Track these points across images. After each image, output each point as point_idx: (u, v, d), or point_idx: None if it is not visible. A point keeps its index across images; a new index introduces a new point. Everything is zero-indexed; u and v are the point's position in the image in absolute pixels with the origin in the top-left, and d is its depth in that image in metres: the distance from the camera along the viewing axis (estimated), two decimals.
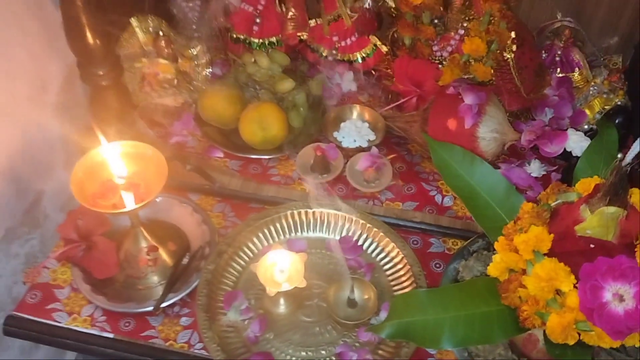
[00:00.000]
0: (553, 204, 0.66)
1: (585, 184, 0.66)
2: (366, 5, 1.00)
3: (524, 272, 0.64)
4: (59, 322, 0.83)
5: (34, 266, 0.86)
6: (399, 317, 0.64)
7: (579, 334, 0.61)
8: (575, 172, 0.76)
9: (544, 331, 0.63)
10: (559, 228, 0.63)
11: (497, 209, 0.75)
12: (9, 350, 0.93)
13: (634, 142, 0.75)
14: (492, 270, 0.67)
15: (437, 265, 0.89)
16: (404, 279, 0.86)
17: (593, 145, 0.79)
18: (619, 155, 0.84)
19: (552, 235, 0.62)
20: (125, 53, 1.02)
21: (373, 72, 1.10)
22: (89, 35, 0.83)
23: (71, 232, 0.86)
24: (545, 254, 0.62)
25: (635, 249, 0.61)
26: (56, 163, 0.97)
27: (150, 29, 1.04)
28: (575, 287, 0.60)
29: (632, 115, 0.96)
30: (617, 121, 0.93)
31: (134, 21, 1.03)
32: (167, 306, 0.84)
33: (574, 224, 0.61)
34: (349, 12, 1.04)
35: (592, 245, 0.61)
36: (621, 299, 0.58)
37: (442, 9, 1.01)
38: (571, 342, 0.61)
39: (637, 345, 0.61)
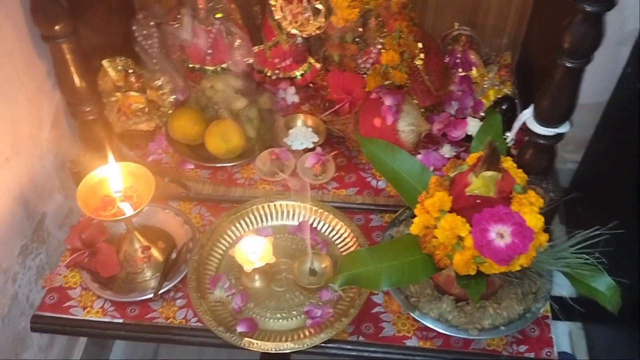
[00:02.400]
0: (452, 175, 0.89)
1: (473, 158, 0.88)
2: (298, 41, 1.21)
3: (434, 227, 0.86)
4: (76, 315, 1.01)
5: (50, 274, 1.04)
6: (347, 270, 0.85)
7: (477, 266, 0.84)
8: (471, 150, 0.98)
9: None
10: (456, 191, 0.85)
11: (415, 185, 0.96)
12: (29, 349, 1.10)
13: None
14: (413, 229, 0.88)
15: (378, 236, 1.11)
16: (352, 249, 1.07)
17: (482, 128, 1.02)
18: (507, 134, 1.08)
19: (451, 197, 0.85)
20: (101, 90, 1.20)
21: (311, 85, 1.31)
22: (76, 79, 1.01)
23: (77, 242, 1.04)
24: (447, 212, 0.84)
25: (510, 200, 0.84)
26: (53, 188, 1.15)
27: (119, 67, 1.23)
28: (470, 232, 0.83)
29: (516, 101, 1.20)
30: (504, 107, 1.17)
31: (105, 63, 1.20)
32: (164, 292, 1.02)
33: (465, 187, 0.84)
34: (287, 38, 1.25)
35: (478, 201, 0.83)
36: (502, 236, 0.80)
37: (361, 29, 1.22)
38: (472, 273, 0.83)
39: (518, 269, 0.83)
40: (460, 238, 0.83)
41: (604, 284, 0.85)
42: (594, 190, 1.34)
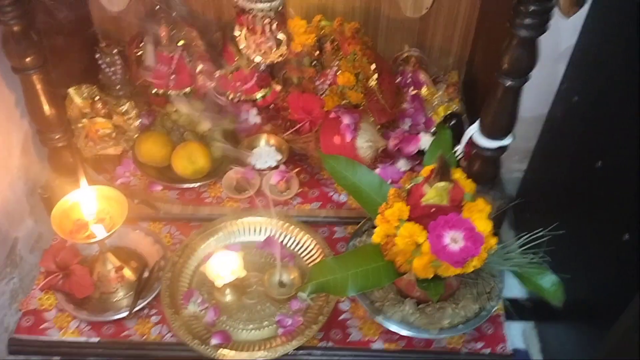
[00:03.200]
0: (408, 187, 0.96)
1: (426, 171, 0.96)
2: (261, 68, 1.27)
3: (395, 235, 0.93)
4: (53, 337, 1.03)
5: (24, 297, 1.07)
6: (316, 278, 0.91)
7: (435, 270, 0.91)
8: (424, 163, 1.06)
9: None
10: (412, 202, 0.92)
11: (375, 197, 1.02)
12: None
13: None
14: (375, 237, 0.95)
15: (342, 246, 1.17)
16: (318, 260, 1.13)
17: (433, 143, 1.10)
18: (456, 147, 1.17)
19: (408, 207, 0.92)
20: (68, 117, 1.23)
21: (272, 107, 1.37)
22: (46, 107, 1.04)
23: (51, 264, 1.06)
24: (406, 220, 0.92)
25: (461, 208, 0.91)
26: (24, 214, 1.17)
27: (85, 94, 1.26)
28: (427, 239, 0.90)
29: (463, 117, 1.30)
30: (452, 123, 1.26)
31: (71, 91, 1.23)
32: (138, 310, 1.06)
33: (421, 197, 0.91)
34: (247, 62, 1.31)
35: (433, 210, 0.90)
36: (455, 241, 0.87)
37: (318, 53, 1.29)
38: (430, 276, 0.90)
39: (472, 271, 0.91)
40: (418, 244, 0.90)
41: (548, 281, 0.93)
42: (539, 196, 1.44)
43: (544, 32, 0.93)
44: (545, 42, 1.05)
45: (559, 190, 1.31)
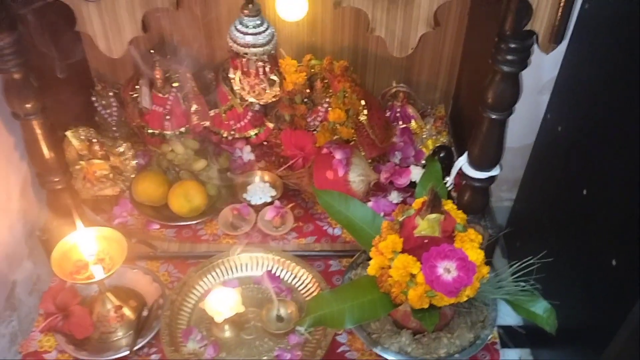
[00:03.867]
0: (401, 219, 0.99)
1: (418, 203, 0.99)
2: (256, 108, 1.31)
3: (389, 267, 0.95)
4: None
5: (24, 339, 1.08)
6: (313, 312, 0.92)
7: (430, 300, 0.93)
8: (415, 195, 1.09)
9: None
10: (405, 234, 0.95)
11: (368, 230, 1.05)
12: None
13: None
14: (371, 270, 0.97)
15: (337, 279, 1.19)
16: (314, 293, 1.15)
17: (424, 176, 1.13)
18: (446, 179, 1.20)
19: (402, 239, 0.94)
20: (66, 159, 1.25)
21: (265, 144, 1.41)
22: (45, 151, 1.07)
23: (51, 306, 1.07)
24: (399, 252, 0.94)
25: (453, 239, 0.94)
26: (23, 256, 1.18)
27: (82, 137, 1.29)
28: (420, 269, 0.92)
29: (452, 149, 1.34)
30: (441, 155, 1.30)
31: (68, 133, 1.26)
32: (138, 349, 1.07)
33: (413, 229, 0.94)
34: (239, 102, 1.35)
35: (426, 241, 0.93)
36: (449, 271, 0.89)
37: (308, 91, 1.34)
38: (426, 306, 0.92)
39: (465, 300, 0.93)
40: (413, 275, 0.92)
41: (541, 307, 0.96)
42: (528, 225, 1.47)
43: (525, 67, 0.97)
44: (528, 75, 1.09)
45: (547, 219, 1.34)
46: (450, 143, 1.37)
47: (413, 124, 1.40)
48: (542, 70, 1.35)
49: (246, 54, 0.87)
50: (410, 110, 1.40)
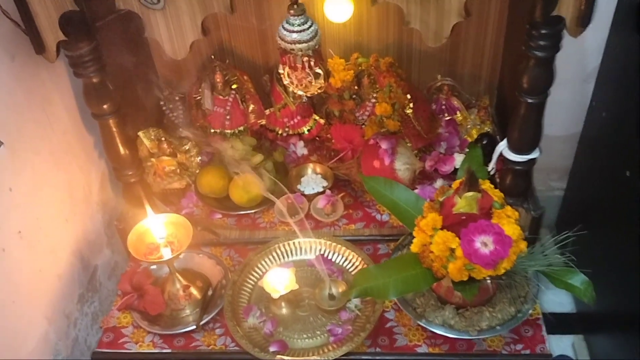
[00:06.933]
0: (441, 199, 1.05)
1: (456, 184, 1.05)
2: (304, 100, 1.41)
3: (430, 244, 1.01)
4: (131, 349, 1.16)
5: (106, 316, 1.21)
6: (360, 284, 1.00)
7: (469, 272, 0.99)
8: (457, 178, 1.15)
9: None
10: (445, 212, 1.01)
11: (412, 211, 1.11)
12: None
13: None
14: (413, 247, 1.04)
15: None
16: None
17: (464, 160, 1.19)
18: (490, 164, 1.25)
19: (441, 217, 1.01)
20: (139, 156, 1.39)
21: (317, 139, 1.50)
22: (121, 148, 1.20)
23: (127, 286, 1.20)
24: (439, 229, 1.00)
25: (490, 215, 1.00)
26: (102, 244, 1.32)
27: (152, 137, 1.42)
28: (459, 244, 0.98)
29: (497, 137, 1.38)
30: (484, 142, 1.34)
31: (140, 134, 1.39)
32: (204, 324, 1.18)
33: (452, 207, 1.00)
34: (292, 100, 1.45)
35: (464, 218, 0.98)
36: (486, 245, 0.95)
37: (356, 87, 1.42)
38: (465, 278, 0.98)
39: (503, 272, 0.98)
40: (452, 250, 0.98)
41: (578, 280, 1.00)
42: (579, 213, 1.48)
43: (557, 51, 1.02)
44: (573, 64, 1.12)
45: (597, 206, 1.35)
46: (494, 132, 1.42)
47: (458, 115, 1.45)
48: (587, 59, 1.38)
49: (293, 49, 0.97)
50: (455, 103, 1.46)
